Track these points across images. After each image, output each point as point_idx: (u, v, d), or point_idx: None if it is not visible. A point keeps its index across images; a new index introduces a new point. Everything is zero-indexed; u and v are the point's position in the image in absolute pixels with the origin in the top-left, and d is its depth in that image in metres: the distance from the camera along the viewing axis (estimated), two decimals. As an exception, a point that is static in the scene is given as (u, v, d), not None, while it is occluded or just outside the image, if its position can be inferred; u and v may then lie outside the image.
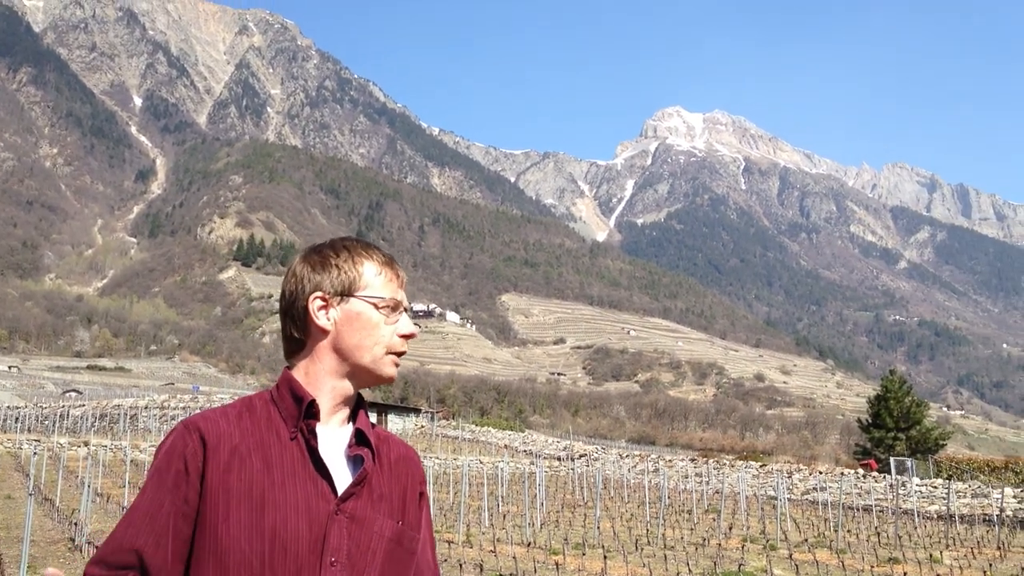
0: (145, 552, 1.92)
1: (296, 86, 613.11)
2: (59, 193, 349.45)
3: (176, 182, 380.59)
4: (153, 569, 1.92)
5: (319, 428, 2.05)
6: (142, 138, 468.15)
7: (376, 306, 2.10)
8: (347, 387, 2.11)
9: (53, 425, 50.88)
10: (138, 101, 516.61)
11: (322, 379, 2.09)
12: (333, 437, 2.08)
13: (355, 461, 2.06)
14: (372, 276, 2.12)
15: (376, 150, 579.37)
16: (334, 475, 2.01)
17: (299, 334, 2.13)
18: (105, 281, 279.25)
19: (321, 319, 2.09)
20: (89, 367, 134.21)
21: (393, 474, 2.14)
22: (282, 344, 2.20)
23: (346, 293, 2.10)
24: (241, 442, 1.99)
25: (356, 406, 2.17)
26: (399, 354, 2.15)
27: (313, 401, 2.04)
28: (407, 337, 2.16)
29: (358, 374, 2.10)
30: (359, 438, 2.10)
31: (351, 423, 2.14)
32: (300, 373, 2.10)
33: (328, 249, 2.16)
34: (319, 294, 2.10)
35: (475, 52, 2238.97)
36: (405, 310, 2.18)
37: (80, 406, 63.09)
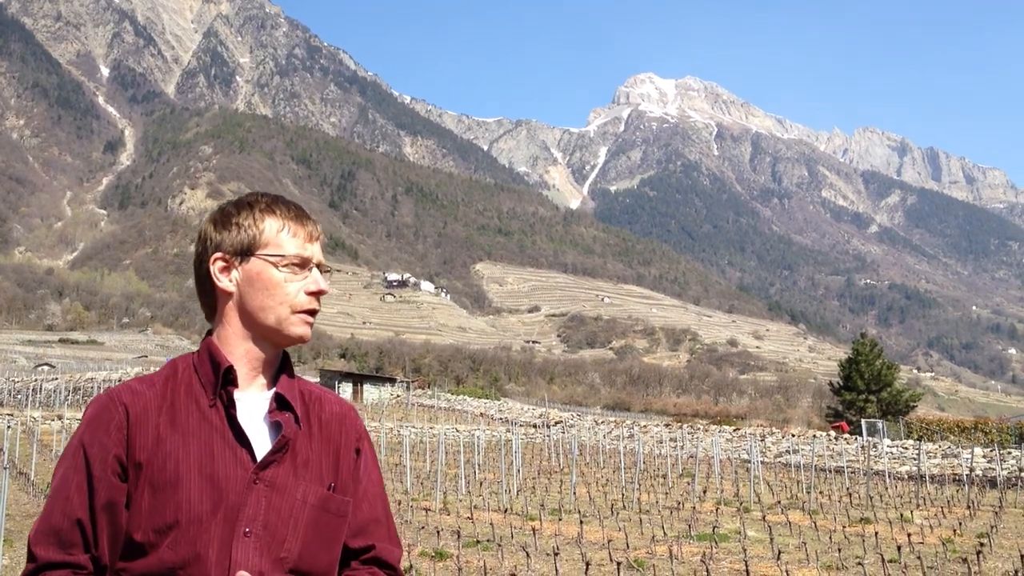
0: (87, 526, 1.90)
1: (265, 54, 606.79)
2: (27, 165, 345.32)
3: (145, 153, 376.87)
4: (92, 542, 1.91)
5: (239, 395, 2.01)
6: (110, 108, 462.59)
7: (276, 264, 2.02)
8: (260, 350, 2.05)
9: (26, 399, 50.51)
10: (105, 71, 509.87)
11: (234, 343, 2.04)
12: (253, 403, 2.03)
13: (277, 427, 2.01)
14: (274, 233, 2.04)
15: (347, 119, 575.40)
16: (255, 443, 1.97)
17: (208, 298, 2.10)
18: (75, 254, 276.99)
19: (223, 281, 2.04)
20: (61, 341, 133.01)
21: (324, 435, 2.08)
22: (202, 309, 2.15)
23: (246, 252, 2.03)
24: (163, 414, 1.95)
25: (281, 368, 2.11)
26: (311, 312, 2.06)
27: (230, 367, 2.00)
28: (316, 294, 2.06)
29: (267, 335, 2.04)
30: (279, 402, 2.04)
31: (274, 387, 2.07)
32: (216, 338, 2.06)
33: (232, 207, 2.10)
34: (219, 255, 2.04)
35: (446, 19, 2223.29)
36: (319, 266, 2.09)
37: (53, 380, 62.61)
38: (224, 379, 1.98)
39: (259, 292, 2.01)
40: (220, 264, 2.04)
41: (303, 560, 1.95)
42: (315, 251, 2.07)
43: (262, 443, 1.98)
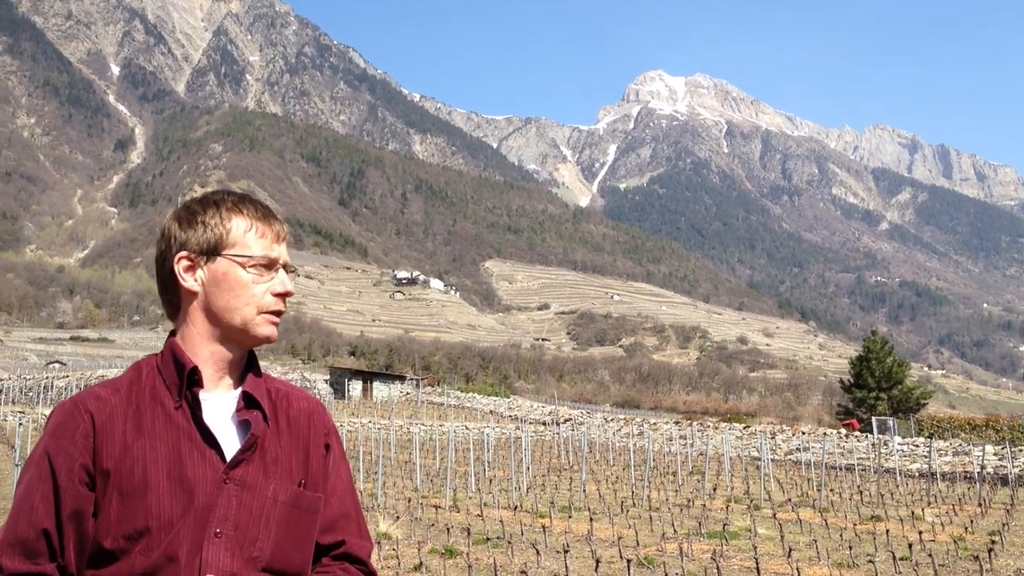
0: (53, 536, 1.86)
1: (275, 53, 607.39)
2: (38, 164, 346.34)
3: (156, 151, 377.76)
4: (59, 551, 1.87)
5: (205, 395, 1.98)
6: (120, 107, 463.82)
7: (243, 265, 1.99)
8: (226, 350, 2.02)
9: (37, 396, 50.70)
10: (115, 69, 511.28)
11: (199, 343, 2.01)
12: (220, 403, 2.00)
13: (245, 426, 1.99)
14: (241, 233, 2.01)
15: (357, 117, 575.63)
16: (223, 442, 1.94)
17: (171, 296, 2.05)
18: (86, 252, 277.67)
19: (188, 281, 2.00)
20: (72, 338, 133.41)
21: (292, 432, 2.07)
22: (164, 308, 2.10)
23: (213, 252, 1.99)
24: (128, 419, 1.92)
25: (248, 366, 2.08)
26: (276, 313, 2.04)
27: (195, 368, 1.96)
28: (282, 295, 2.04)
29: (233, 336, 2.01)
30: (247, 401, 2.01)
31: (240, 386, 2.05)
32: (180, 338, 2.03)
33: (197, 205, 2.05)
34: (184, 254, 2.00)
35: (455, 17, 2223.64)
36: (285, 266, 2.06)
37: (64, 377, 62.87)
38: (189, 380, 1.96)
39: (225, 292, 1.99)
40: (185, 263, 2.00)
41: (276, 558, 1.93)
42: (282, 252, 2.05)
43: (231, 443, 1.96)
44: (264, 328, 2.01)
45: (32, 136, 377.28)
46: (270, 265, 2.02)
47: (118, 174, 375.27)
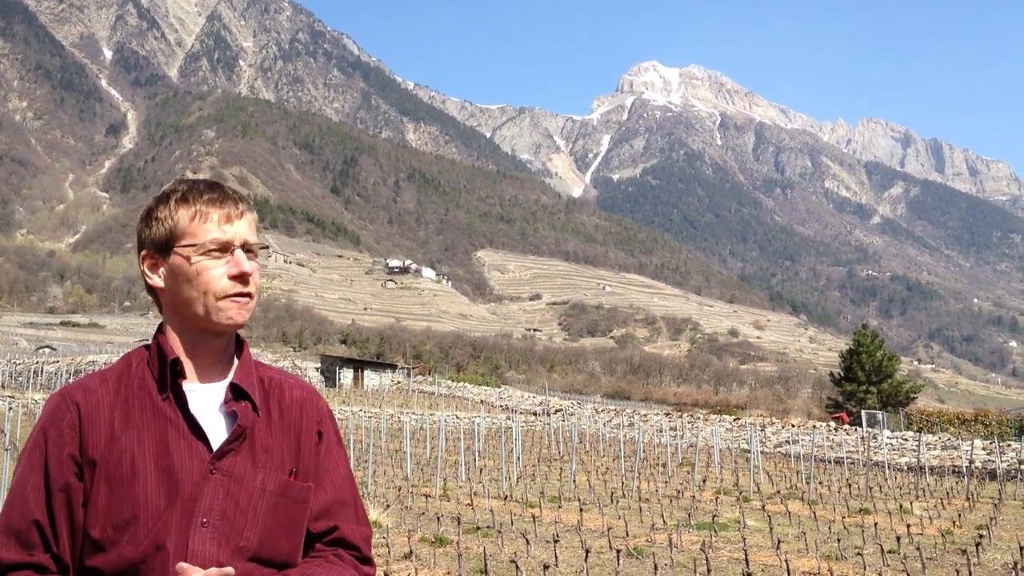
0: (45, 526, 1.88)
1: (269, 39, 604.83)
2: (29, 147, 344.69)
3: (148, 136, 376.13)
4: (52, 541, 1.88)
5: (192, 386, 1.98)
6: (112, 91, 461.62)
7: (188, 256, 1.95)
8: (203, 341, 2.01)
9: (27, 381, 50.60)
10: (108, 54, 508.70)
11: (179, 336, 2.01)
12: (209, 394, 2.00)
13: (234, 417, 1.98)
14: (186, 223, 1.97)
15: (350, 104, 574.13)
16: (211, 433, 1.94)
17: (150, 293, 2.08)
18: (77, 236, 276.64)
19: (153, 279, 2.01)
20: (62, 323, 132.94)
21: (284, 422, 2.05)
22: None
23: (166, 247, 1.99)
24: (116, 409, 1.93)
25: (237, 356, 2.09)
26: (239, 295, 1.99)
27: (176, 360, 1.97)
28: (238, 277, 1.98)
29: (201, 326, 1.99)
30: (235, 392, 2.00)
31: (229, 376, 2.04)
32: (165, 332, 2.03)
33: (154, 202, 2.04)
34: (144, 253, 2.02)
35: (450, 5, 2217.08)
36: (244, 245, 2.01)
37: (54, 362, 62.70)
38: (172, 372, 1.96)
39: (183, 284, 1.97)
40: (148, 262, 2.01)
41: (263, 548, 1.93)
42: (237, 231, 2.00)
43: (219, 434, 1.96)
44: (225, 314, 1.97)
45: (24, 120, 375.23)
46: (224, 248, 1.98)
47: (110, 159, 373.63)
